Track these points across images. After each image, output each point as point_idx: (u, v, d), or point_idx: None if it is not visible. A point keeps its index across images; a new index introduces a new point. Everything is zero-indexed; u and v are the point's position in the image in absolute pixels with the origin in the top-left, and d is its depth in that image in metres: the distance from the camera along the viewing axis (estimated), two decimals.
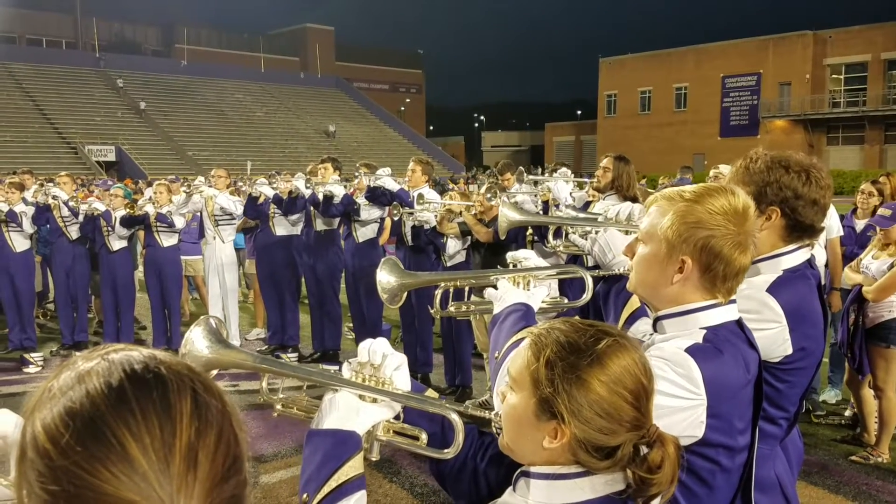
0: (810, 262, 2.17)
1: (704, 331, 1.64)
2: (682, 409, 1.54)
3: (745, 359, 1.66)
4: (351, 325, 8.37)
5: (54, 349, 8.53)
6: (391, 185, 7.12)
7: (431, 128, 79.88)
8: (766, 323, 1.94)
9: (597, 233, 2.28)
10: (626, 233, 2.28)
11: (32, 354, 8.04)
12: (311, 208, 7.69)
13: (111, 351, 0.84)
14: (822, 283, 3.95)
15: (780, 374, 1.98)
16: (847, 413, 5.92)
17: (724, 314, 1.68)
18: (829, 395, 6.31)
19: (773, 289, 2.01)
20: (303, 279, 8.37)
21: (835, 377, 6.30)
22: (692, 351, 1.58)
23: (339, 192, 7.39)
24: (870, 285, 4.97)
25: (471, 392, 6.77)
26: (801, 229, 2.12)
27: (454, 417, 1.38)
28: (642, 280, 1.74)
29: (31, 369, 7.84)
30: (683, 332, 1.66)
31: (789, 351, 1.98)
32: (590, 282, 2.01)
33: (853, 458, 5.18)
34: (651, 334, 1.77)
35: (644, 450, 1.23)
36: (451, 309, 2.21)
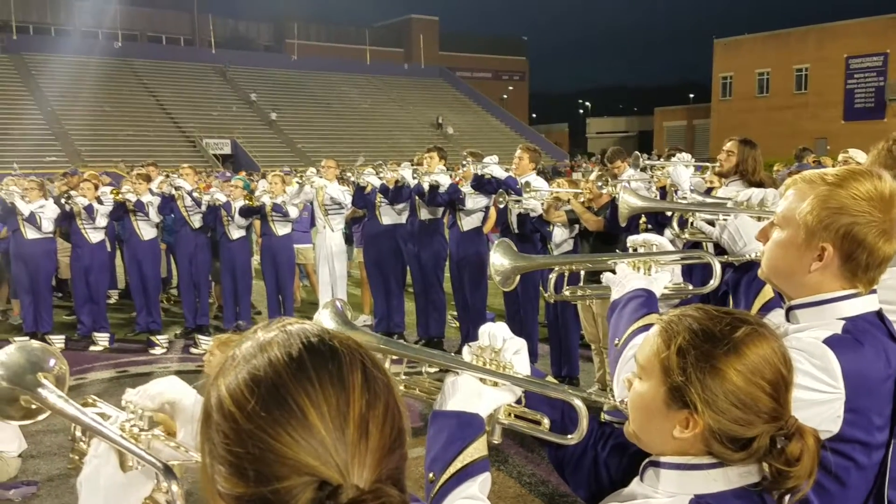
0: None
1: (843, 321, 1.55)
2: (818, 402, 1.46)
3: (887, 352, 1.56)
4: (455, 313, 8.44)
5: (178, 332, 9.01)
6: (499, 172, 7.10)
7: (534, 115, 79.15)
8: None
9: (726, 219, 2.18)
10: (759, 219, 2.16)
11: (158, 337, 8.53)
12: (416, 197, 7.78)
13: (287, 323, 0.89)
14: None
15: None
16: None
17: (864, 304, 1.58)
18: None
19: None
20: (408, 267, 8.50)
21: None
22: (831, 342, 1.50)
23: (444, 181, 7.44)
24: None
25: (578, 383, 6.68)
26: None
27: (577, 403, 1.36)
28: (776, 267, 1.66)
29: (157, 351, 8.32)
30: (819, 322, 1.58)
31: None
32: (718, 268, 1.92)
33: None
34: (783, 325, 1.69)
35: (782, 442, 1.17)
36: (566, 293, 2.17)
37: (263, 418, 0.79)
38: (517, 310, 7.07)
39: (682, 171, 5.53)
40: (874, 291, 1.62)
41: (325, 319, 1.43)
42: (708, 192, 5.37)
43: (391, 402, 0.85)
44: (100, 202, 8.42)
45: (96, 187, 8.65)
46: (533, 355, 7.11)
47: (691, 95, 68.25)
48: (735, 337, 1.19)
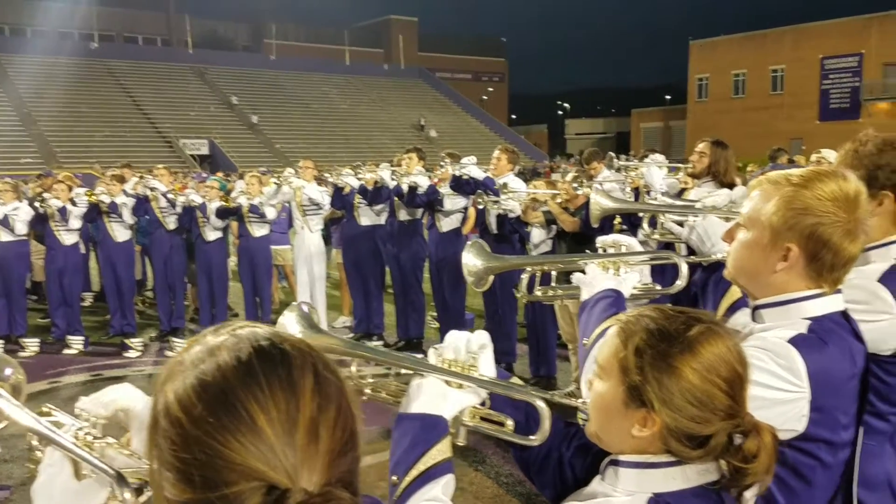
0: None
1: (809, 321, 1.56)
2: (783, 401, 1.47)
3: (852, 351, 1.58)
4: (435, 314, 8.43)
5: (153, 335, 8.92)
6: (477, 173, 7.11)
7: (514, 116, 79.19)
8: (876, 314, 1.84)
9: (695, 220, 2.19)
10: (727, 220, 2.18)
11: (132, 340, 8.44)
12: (395, 198, 7.77)
13: (238, 327, 0.88)
14: None
15: (892, 368, 1.87)
16: None
17: (829, 304, 1.60)
18: None
19: (885, 278, 1.91)
20: (387, 268, 8.48)
21: None
22: (796, 342, 1.51)
23: (423, 182, 7.43)
24: None
25: (555, 382, 6.71)
26: None
27: (540, 404, 1.36)
28: (741, 267, 1.67)
29: (132, 354, 8.23)
30: (785, 321, 1.58)
31: None
32: (684, 269, 1.94)
33: None
34: (749, 325, 1.70)
35: (739, 439, 1.18)
36: (538, 293, 2.18)
37: (211, 423, 0.78)
38: (496, 310, 7.08)
39: (654, 171, 5.58)
40: (839, 291, 1.63)
41: (290, 323, 1.42)
42: (681, 192, 5.41)
43: (343, 404, 0.84)
44: (74, 204, 8.32)
45: (70, 189, 8.54)
46: (511, 355, 7.14)
47: (668, 97, 68.70)
48: (689, 335, 1.20)
